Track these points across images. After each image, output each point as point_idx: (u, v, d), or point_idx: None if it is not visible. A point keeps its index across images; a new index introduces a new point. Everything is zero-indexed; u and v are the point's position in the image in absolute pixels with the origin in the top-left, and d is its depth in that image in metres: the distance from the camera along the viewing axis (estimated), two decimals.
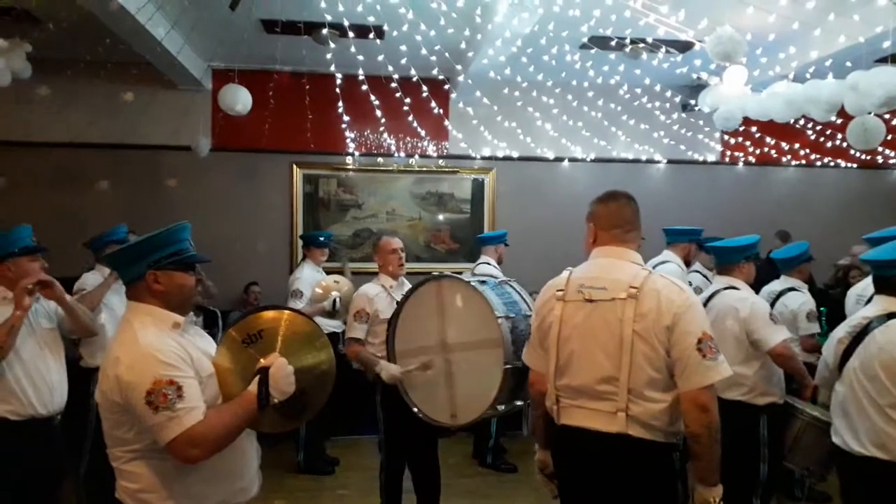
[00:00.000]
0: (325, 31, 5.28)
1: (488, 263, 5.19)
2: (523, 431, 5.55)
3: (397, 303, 3.54)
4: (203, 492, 1.91)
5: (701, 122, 7.30)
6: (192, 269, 2.04)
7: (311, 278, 5.21)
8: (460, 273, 3.81)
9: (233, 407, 1.90)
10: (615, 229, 2.32)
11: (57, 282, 2.95)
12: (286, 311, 2.11)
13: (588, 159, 7.35)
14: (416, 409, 3.38)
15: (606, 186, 2.47)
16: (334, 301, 4.91)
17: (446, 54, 5.62)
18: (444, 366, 3.27)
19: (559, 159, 7.37)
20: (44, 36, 5.06)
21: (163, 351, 1.84)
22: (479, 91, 6.58)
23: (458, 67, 6.09)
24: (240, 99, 5.33)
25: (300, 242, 6.79)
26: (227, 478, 1.96)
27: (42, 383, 2.96)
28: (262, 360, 1.96)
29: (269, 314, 2.08)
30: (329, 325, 5.01)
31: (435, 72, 5.96)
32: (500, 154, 7.17)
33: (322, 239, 5.60)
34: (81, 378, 3.90)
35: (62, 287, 3.01)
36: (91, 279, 4.04)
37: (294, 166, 7.09)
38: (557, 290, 2.33)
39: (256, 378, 1.92)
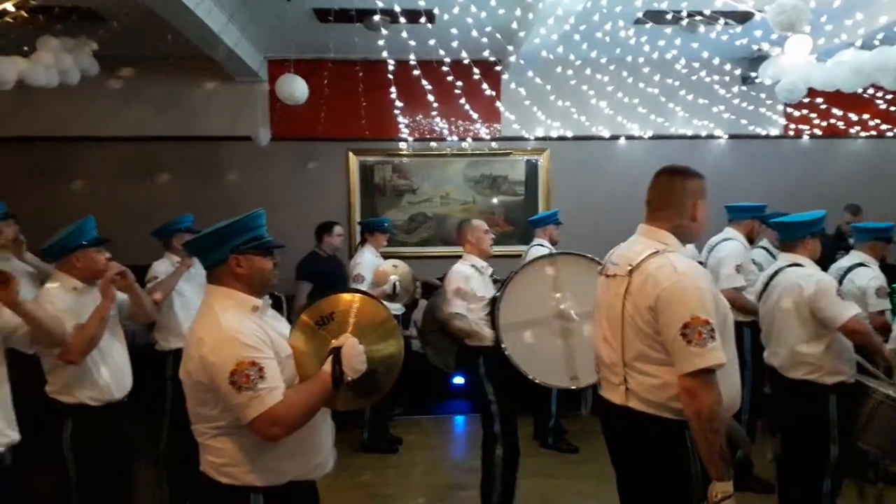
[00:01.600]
0: (376, 17, 5.32)
1: (541, 245, 5.18)
2: (581, 411, 5.55)
3: (497, 281, 3.78)
4: (282, 466, 1.98)
5: (762, 95, 7.04)
6: (271, 253, 2.10)
7: (371, 263, 5.31)
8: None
9: (309, 386, 1.97)
10: (647, 206, 2.37)
11: (129, 271, 3.11)
12: (357, 295, 2.16)
13: (645, 136, 7.20)
14: (531, 377, 3.53)
15: (663, 163, 2.45)
16: (394, 285, 5.00)
17: (497, 35, 5.58)
18: (563, 335, 3.49)
19: (615, 137, 7.24)
20: (109, 34, 5.26)
21: (244, 333, 1.90)
22: (532, 71, 6.52)
23: (510, 48, 6.05)
24: (296, 88, 5.43)
25: (357, 228, 6.93)
26: (305, 454, 2.03)
27: (115, 368, 3.10)
28: (333, 342, 2.02)
29: (342, 297, 2.13)
30: (390, 308, 5.09)
31: (486, 53, 5.93)
32: (553, 134, 7.10)
33: (385, 225, 5.70)
34: (157, 360, 4.13)
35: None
36: (162, 267, 4.22)
37: (350, 153, 7.18)
38: (600, 266, 2.50)
39: (330, 358, 1.97)
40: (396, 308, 5.19)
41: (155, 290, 3.98)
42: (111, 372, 3.06)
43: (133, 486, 3.43)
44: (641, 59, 6.72)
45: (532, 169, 7.37)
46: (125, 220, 5.07)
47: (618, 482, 2.42)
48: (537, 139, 7.17)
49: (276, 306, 5.87)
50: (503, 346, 3.58)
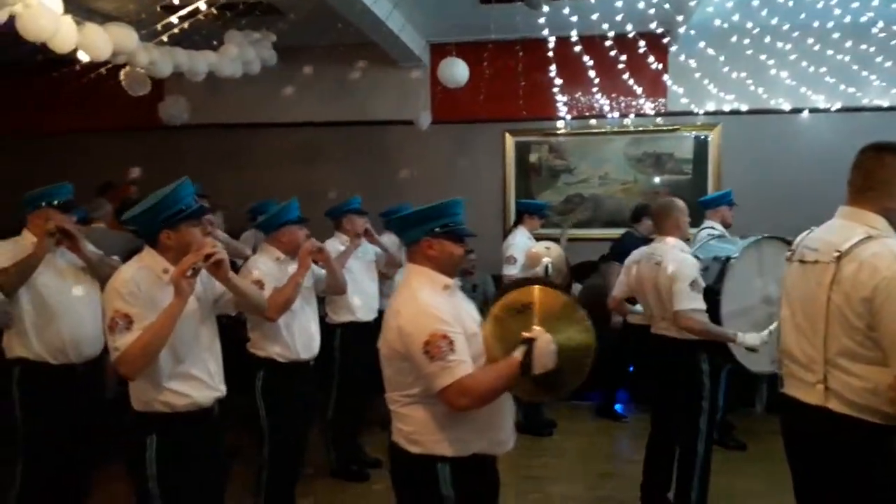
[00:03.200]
0: None
1: (713, 228, 4.86)
2: (756, 408, 5.19)
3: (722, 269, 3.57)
4: (469, 438, 2.07)
5: None
6: (462, 240, 2.20)
7: (524, 245, 5.28)
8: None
9: (498, 368, 2.05)
10: (850, 187, 2.14)
11: (326, 248, 3.43)
12: (550, 289, 2.21)
13: (832, 109, 6.51)
14: (749, 368, 3.45)
15: (854, 139, 2.25)
16: (546, 267, 4.93)
17: (666, 5, 5.29)
18: (767, 321, 3.29)
19: (797, 110, 6.61)
20: (286, 26, 5.63)
21: (438, 308, 2.03)
22: (704, 41, 6.11)
23: (679, 18, 5.70)
24: (457, 71, 5.51)
25: (512, 209, 6.93)
26: (490, 429, 2.12)
27: (303, 332, 3.40)
28: (524, 333, 2.06)
29: (534, 289, 2.19)
30: None
31: (653, 25, 5.64)
32: (726, 108, 6.62)
33: (544, 209, 5.67)
34: (327, 333, 4.38)
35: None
36: (333, 246, 4.42)
37: (506, 134, 7.18)
38: (788, 251, 2.31)
39: (523, 347, 2.03)
40: None
41: None
42: (299, 334, 3.38)
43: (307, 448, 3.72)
44: (830, 24, 6.05)
45: (701, 146, 6.93)
46: (300, 201, 5.39)
47: (798, 486, 2.23)
48: (707, 114, 6.72)
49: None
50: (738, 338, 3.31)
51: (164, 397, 2.34)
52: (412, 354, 1.99)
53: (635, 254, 3.90)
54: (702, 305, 3.30)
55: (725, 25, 5.87)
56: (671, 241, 3.55)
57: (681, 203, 3.66)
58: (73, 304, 3.18)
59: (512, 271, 5.05)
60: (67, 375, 3.16)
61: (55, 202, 3.20)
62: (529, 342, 2.02)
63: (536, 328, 2.06)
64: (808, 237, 2.23)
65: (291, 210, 3.49)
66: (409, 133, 6.92)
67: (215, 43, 5.48)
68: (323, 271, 3.59)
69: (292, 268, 3.32)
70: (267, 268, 3.32)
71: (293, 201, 3.51)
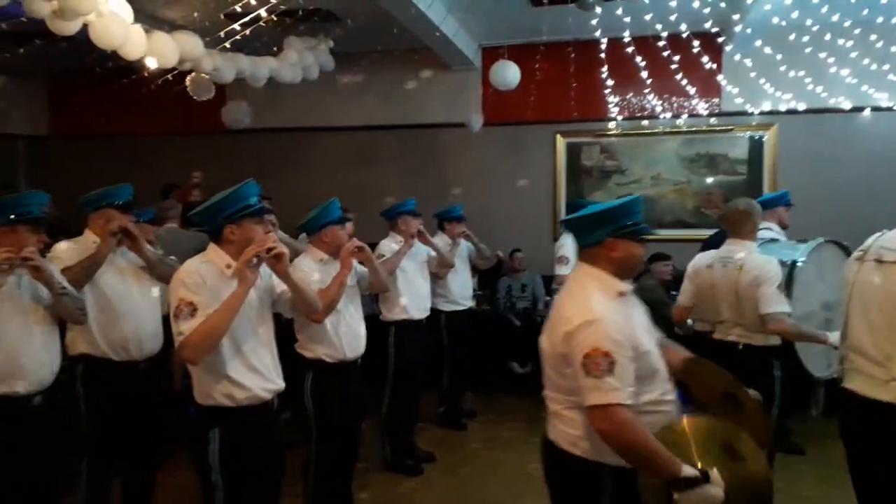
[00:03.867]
0: None
1: (769, 229, 4.78)
2: (812, 412, 5.07)
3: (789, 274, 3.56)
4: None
5: None
6: (643, 240, 2.15)
7: (576, 245, 5.28)
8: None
9: (658, 450, 1.87)
10: None
11: (367, 246, 3.42)
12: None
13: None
14: (809, 370, 3.50)
15: None
16: None
17: (722, 4, 5.23)
18: (824, 326, 3.29)
19: (858, 109, 6.43)
20: (343, 32, 5.78)
21: (609, 321, 1.94)
22: (760, 40, 6.01)
23: (735, 17, 5.63)
24: (509, 74, 5.57)
25: (562, 210, 6.95)
26: None
27: (349, 331, 3.39)
28: (703, 467, 1.89)
29: (742, 435, 1.98)
30: None
31: (708, 25, 5.59)
32: (782, 108, 6.48)
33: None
34: (381, 330, 4.47)
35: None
36: (387, 246, 4.53)
37: (557, 136, 7.18)
38: (858, 251, 2.31)
39: (693, 472, 1.87)
40: None
41: (384, 266, 4.33)
42: (345, 334, 3.37)
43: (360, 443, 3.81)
44: (895, 20, 5.89)
45: (756, 146, 6.81)
46: (356, 202, 5.56)
47: (862, 488, 2.21)
48: (762, 113, 6.60)
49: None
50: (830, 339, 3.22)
51: (226, 389, 2.43)
52: (572, 362, 1.94)
53: (702, 259, 3.74)
54: (788, 308, 3.23)
55: (784, 23, 5.76)
56: (749, 244, 3.45)
57: (758, 207, 3.57)
58: (135, 302, 3.26)
59: (564, 271, 5.08)
60: (130, 371, 3.23)
61: (116, 203, 3.26)
62: (698, 481, 1.84)
63: (715, 476, 1.86)
64: (884, 237, 2.23)
65: (332, 210, 3.45)
66: (461, 135, 7.01)
67: (275, 49, 5.67)
68: (366, 270, 3.56)
69: (336, 269, 3.30)
70: (311, 269, 3.30)
71: (334, 201, 3.48)
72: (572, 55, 6.31)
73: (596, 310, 1.95)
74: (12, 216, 2.71)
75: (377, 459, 4.53)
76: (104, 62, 5.33)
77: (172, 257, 3.47)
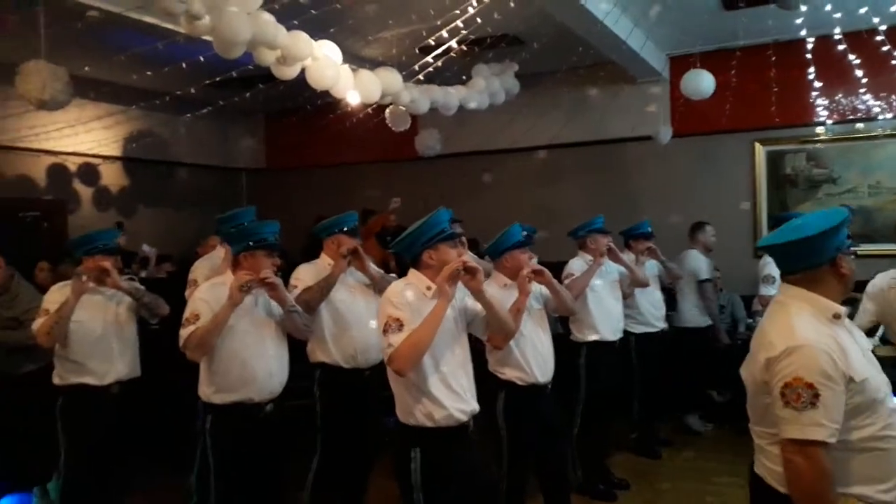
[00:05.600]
0: None
1: None
2: None
3: None
4: (849, 492, 1.85)
5: None
6: (855, 255, 2.02)
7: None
8: None
9: None
10: None
11: (546, 270, 3.40)
12: None
13: None
14: None
15: None
16: None
17: None
18: None
19: None
20: (528, 55, 5.89)
21: (817, 348, 1.79)
22: None
23: None
24: (702, 82, 5.33)
25: (764, 224, 6.48)
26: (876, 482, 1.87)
27: (537, 355, 3.42)
28: None
29: None
30: None
31: None
32: None
33: None
34: (571, 350, 4.42)
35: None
36: (576, 265, 4.47)
37: (756, 143, 6.73)
38: None
39: None
40: None
41: (572, 286, 4.31)
42: (533, 357, 3.40)
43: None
44: None
45: None
46: (542, 222, 5.60)
47: None
48: None
49: None
50: None
51: (425, 408, 2.55)
52: (771, 389, 1.83)
53: (883, 279, 3.57)
54: None
55: None
56: None
57: None
58: (362, 316, 3.61)
59: (770, 291, 4.72)
60: (357, 378, 3.61)
61: (345, 228, 3.68)
62: None
63: None
64: None
65: (513, 234, 3.46)
66: (649, 149, 6.81)
67: (464, 77, 5.91)
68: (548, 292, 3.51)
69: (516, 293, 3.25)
70: (494, 294, 3.27)
71: (515, 226, 3.49)
72: (772, 58, 5.88)
73: (802, 335, 1.80)
74: (251, 242, 3.08)
75: (569, 482, 4.48)
76: (314, 100, 5.91)
77: (392, 275, 3.77)
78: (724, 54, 6.10)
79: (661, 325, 5.17)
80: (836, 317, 1.88)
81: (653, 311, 5.09)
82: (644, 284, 4.85)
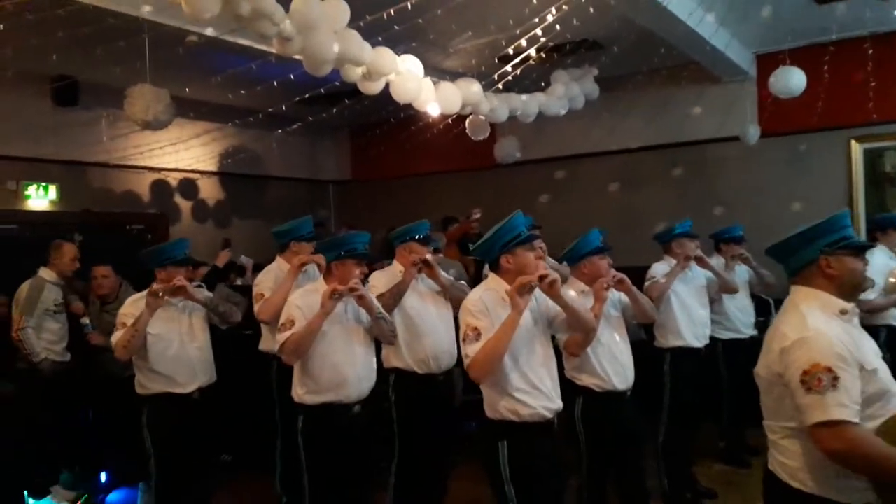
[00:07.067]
0: None
1: None
2: None
3: None
4: (848, 485, 1.88)
5: None
6: (862, 254, 2.05)
7: (883, 265, 4.66)
8: None
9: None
10: None
11: (626, 278, 3.37)
12: None
13: None
14: None
15: None
16: None
17: None
18: None
19: None
20: (608, 59, 5.84)
21: (829, 337, 1.86)
22: None
23: None
24: (792, 80, 5.16)
25: (862, 225, 6.16)
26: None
27: (615, 362, 3.39)
28: None
29: None
30: None
31: None
32: None
33: None
34: (655, 357, 4.36)
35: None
36: (660, 269, 4.41)
37: (852, 141, 6.40)
38: None
39: None
40: None
41: (650, 289, 4.24)
42: (610, 364, 3.37)
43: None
44: None
45: None
46: (624, 225, 5.54)
47: None
48: None
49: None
50: None
51: (510, 405, 2.64)
52: (789, 380, 1.87)
53: None
54: None
55: None
56: None
57: None
58: (434, 323, 3.74)
59: (869, 296, 4.49)
60: (429, 383, 3.72)
61: (417, 237, 3.79)
62: None
63: None
64: None
65: (591, 241, 3.44)
66: (735, 149, 6.61)
67: (543, 84, 5.93)
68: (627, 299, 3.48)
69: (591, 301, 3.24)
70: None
71: (593, 232, 3.48)
72: (869, 51, 5.61)
73: (813, 325, 1.88)
74: (342, 252, 3.25)
75: (654, 490, 4.41)
76: (396, 113, 6.08)
77: (462, 282, 3.85)
78: (816, 49, 5.86)
79: (751, 331, 5.01)
80: (843, 312, 1.95)
81: (741, 318, 4.94)
82: (733, 290, 4.72)
